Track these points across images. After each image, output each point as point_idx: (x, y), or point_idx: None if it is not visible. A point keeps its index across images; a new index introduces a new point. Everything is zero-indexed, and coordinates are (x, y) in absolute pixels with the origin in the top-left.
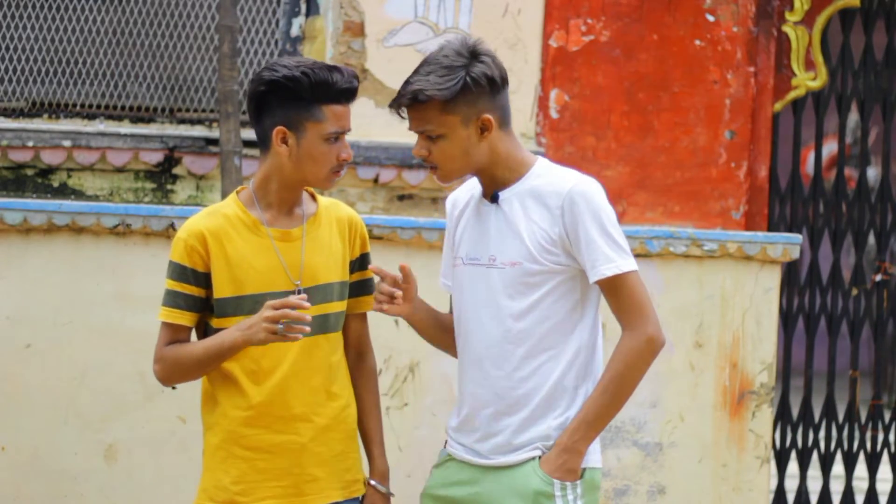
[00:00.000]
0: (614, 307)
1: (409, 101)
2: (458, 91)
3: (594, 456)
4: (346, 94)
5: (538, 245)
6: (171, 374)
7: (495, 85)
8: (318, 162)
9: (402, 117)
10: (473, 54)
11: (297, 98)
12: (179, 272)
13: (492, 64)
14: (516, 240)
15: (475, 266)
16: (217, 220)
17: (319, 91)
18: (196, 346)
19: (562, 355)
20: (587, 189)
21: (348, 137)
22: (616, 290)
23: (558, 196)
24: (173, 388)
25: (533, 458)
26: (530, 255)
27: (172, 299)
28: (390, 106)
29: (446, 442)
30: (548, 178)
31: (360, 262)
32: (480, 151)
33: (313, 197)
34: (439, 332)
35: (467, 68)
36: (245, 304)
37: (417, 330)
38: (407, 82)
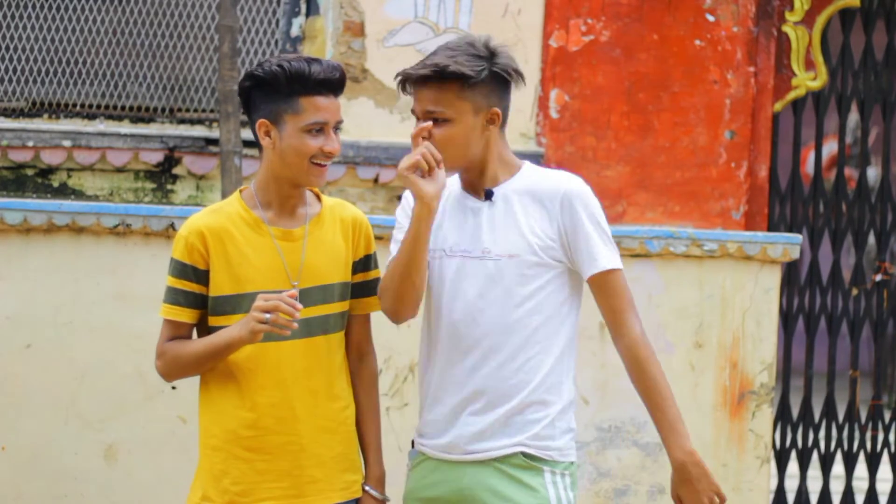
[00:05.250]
0: (608, 302)
1: (432, 72)
2: (482, 77)
3: (570, 452)
4: (326, 85)
5: (537, 239)
6: (171, 369)
7: (511, 81)
8: (299, 153)
9: (408, 92)
10: (493, 52)
11: (277, 91)
12: (180, 269)
13: (513, 63)
14: (514, 233)
15: (465, 258)
16: (219, 218)
17: (296, 83)
18: (196, 343)
19: (552, 349)
20: (584, 188)
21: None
22: (612, 284)
23: (555, 194)
24: (173, 387)
25: (516, 454)
26: (529, 248)
27: (173, 296)
28: (405, 78)
29: (413, 442)
30: (539, 177)
31: (364, 263)
32: (479, 145)
33: (318, 197)
34: (421, 275)
35: (491, 60)
36: (245, 303)
37: (419, 250)
38: (427, 59)
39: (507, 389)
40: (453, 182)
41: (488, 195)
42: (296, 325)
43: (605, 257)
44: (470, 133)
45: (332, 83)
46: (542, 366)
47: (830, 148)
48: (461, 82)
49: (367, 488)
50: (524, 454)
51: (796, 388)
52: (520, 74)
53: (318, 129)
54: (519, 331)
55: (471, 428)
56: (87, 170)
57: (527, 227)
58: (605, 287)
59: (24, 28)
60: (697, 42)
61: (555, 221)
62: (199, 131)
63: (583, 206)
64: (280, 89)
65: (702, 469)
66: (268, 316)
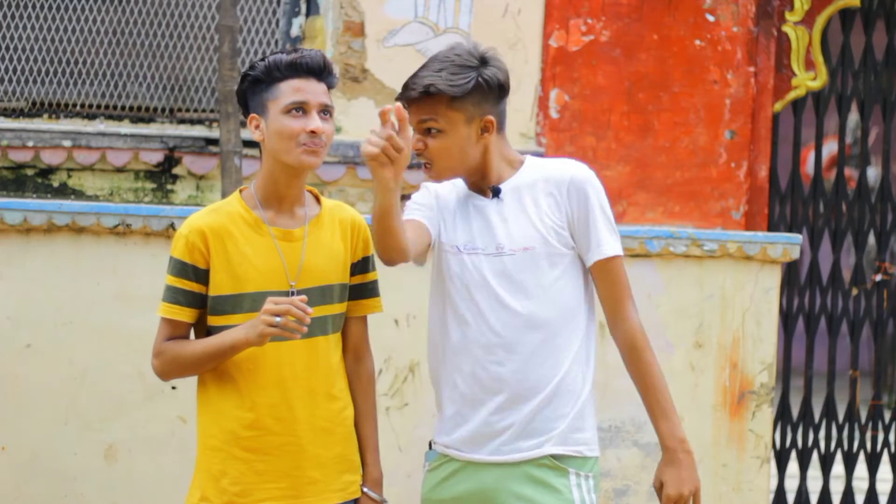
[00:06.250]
0: (607, 290)
1: (419, 94)
2: (469, 90)
3: (595, 445)
4: (303, 68)
5: (549, 228)
6: (169, 369)
7: (502, 90)
8: (283, 136)
9: (405, 108)
10: (483, 59)
11: (260, 83)
12: (180, 268)
13: (503, 70)
14: (526, 225)
15: (478, 255)
16: (219, 217)
17: (274, 70)
18: (197, 343)
19: (573, 341)
20: (589, 173)
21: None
22: (611, 271)
23: (561, 180)
24: (173, 387)
25: (545, 456)
26: (542, 238)
27: (172, 295)
28: (398, 98)
29: (431, 444)
30: (544, 169)
31: (362, 266)
32: (476, 152)
33: (317, 199)
34: (399, 226)
35: (479, 70)
36: (244, 302)
37: (390, 220)
38: (416, 76)
39: (531, 385)
40: (457, 184)
41: (495, 192)
42: (305, 328)
43: (609, 244)
44: (464, 142)
45: (309, 66)
46: (564, 360)
47: (830, 148)
48: (449, 96)
49: (364, 490)
50: (552, 455)
51: (796, 388)
52: (504, 87)
53: (298, 108)
54: (539, 325)
55: (495, 427)
56: (87, 170)
57: (537, 217)
58: (607, 274)
59: (24, 28)
60: (697, 42)
61: (563, 207)
62: (199, 131)
63: (591, 192)
64: (262, 80)
65: (691, 458)
66: (278, 319)
